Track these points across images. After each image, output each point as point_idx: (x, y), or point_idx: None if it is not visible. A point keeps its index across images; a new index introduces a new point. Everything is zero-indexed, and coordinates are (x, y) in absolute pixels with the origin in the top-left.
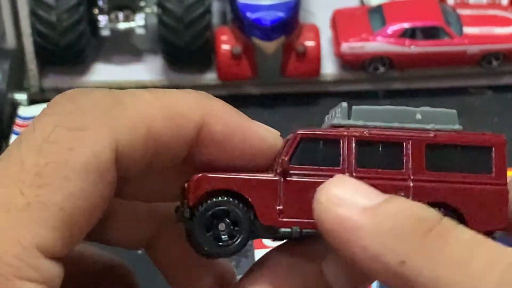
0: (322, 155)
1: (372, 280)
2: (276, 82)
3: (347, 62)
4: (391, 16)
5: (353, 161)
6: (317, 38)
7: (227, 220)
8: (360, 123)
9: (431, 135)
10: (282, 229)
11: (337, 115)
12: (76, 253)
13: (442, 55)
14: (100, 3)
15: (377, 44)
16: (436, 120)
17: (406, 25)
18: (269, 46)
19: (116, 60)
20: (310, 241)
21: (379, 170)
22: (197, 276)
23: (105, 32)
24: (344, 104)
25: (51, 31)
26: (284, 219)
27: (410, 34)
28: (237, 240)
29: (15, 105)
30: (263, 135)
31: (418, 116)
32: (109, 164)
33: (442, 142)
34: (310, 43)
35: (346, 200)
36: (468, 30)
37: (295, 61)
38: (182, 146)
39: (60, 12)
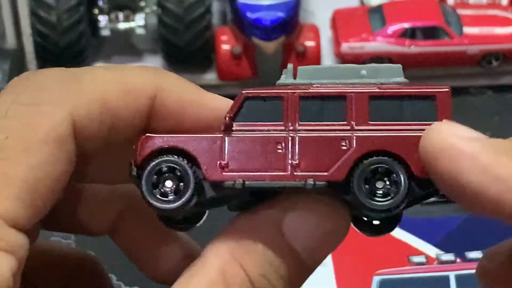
0: (266, 112)
1: (476, 201)
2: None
3: (347, 62)
4: (391, 16)
5: (296, 115)
6: (317, 38)
7: (174, 178)
8: (306, 81)
9: (375, 88)
10: (226, 183)
11: (284, 76)
12: (45, 249)
13: (442, 55)
14: (100, 3)
15: (377, 44)
16: (381, 74)
17: (406, 25)
18: (269, 46)
19: (116, 60)
20: (268, 205)
21: (323, 123)
22: (164, 255)
23: (105, 32)
24: (290, 65)
25: (51, 31)
26: (227, 173)
27: (410, 34)
28: (183, 196)
29: None
30: (216, 105)
31: (363, 72)
32: (67, 136)
33: (385, 94)
34: (310, 43)
35: (456, 132)
36: (468, 30)
37: (295, 61)
38: (137, 119)
39: (60, 12)
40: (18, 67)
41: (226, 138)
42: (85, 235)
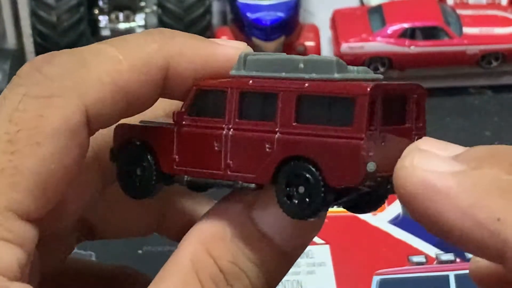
0: (213, 107)
1: (460, 244)
2: None
3: (347, 62)
4: (391, 16)
5: (235, 112)
6: (317, 38)
7: (140, 166)
8: (253, 73)
9: (305, 85)
10: (176, 177)
11: (235, 65)
12: (81, 266)
13: (441, 55)
14: (100, 3)
15: (377, 44)
16: (317, 69)
17: (406, 25)
18: (269, 46)
19: None
20: (236, 193)
21: (256, 122)
22: None
23: (105, 32)
24: (242, 53)
25: (52, 31)
26: (177, 167)
27: (410, 34)
28: (147, 183)
29: None
30: (226, 53)
31: (301, 65)
32: (79, 126)
33: (310, 93)
34: (310, 43)
35: (433, 165)
36: (467, 30)
37: None
38: (151, 92)
39: (60, 12)
40: (18, 67)
41: (175, 131)
42: (135, 237)
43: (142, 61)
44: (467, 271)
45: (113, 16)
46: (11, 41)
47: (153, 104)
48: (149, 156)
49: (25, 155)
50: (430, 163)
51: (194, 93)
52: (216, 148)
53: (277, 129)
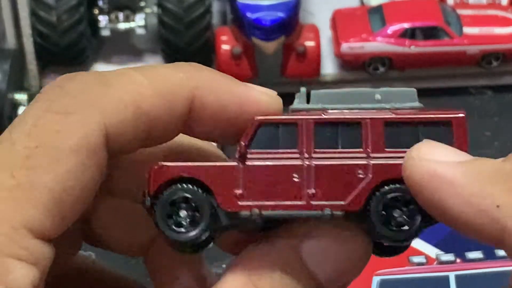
0: (280, 139)
1: (462, 229)
2: (276, 82)
3: (347, 62)
4: (391, 16)
5: (311, 142)
6: (317, 38)
7: (188, 208)
8: (319, 106)
9: (390, 113)
10: (243, 213)
11: (297, 100)
12: (94, 269)
13: (442, 55)
14: (100, 3)
15: (377, 44)
16: (395, 99)
17: (406, 25)
18: (269, 46)
19: (116, 60)
20: (285, 230)
21: (338, 150)
22: (185, 280)
23: (105, 32)
24: (303, 89)
25: (51, 31)
26: (243, 203)
27: (410, 34)
28: (198, 226)
29: (15, 105)
30: (259, 99)
31: (378, 97)
32: (98, 145)
33: (400, 120)
34: (310, 43)
35: (438, 156)
36: (468, 30)
37: (295, 61)
38: (174, 122)
39: (60, 12)
40: (18, 67)
41: (241, 166)
42: (120, 254)
43: (168, 89)
44: (467, 272)
45: (113, 16)
46: (11, 41)
47: (175, 136)
48: (204, 195)
49: (43, 171)
50: (436, 154)
51: (256, 127)
52: (295, 179)
53: (367, 155)
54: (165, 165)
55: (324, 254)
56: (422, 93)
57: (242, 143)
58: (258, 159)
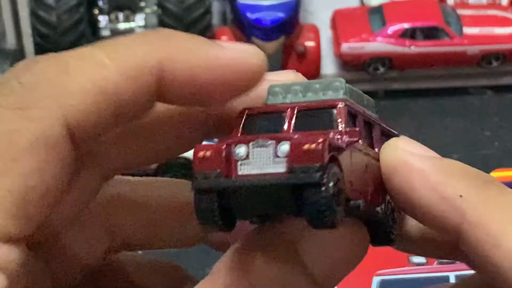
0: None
1: (424, 217)
2: None
3: (347, 62)
4: (391, 17)
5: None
6: (317, 38)
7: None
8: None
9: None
10: (352, 202)
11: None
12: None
13: (442, 55)
14: (100, 3)
15: (377, 44)
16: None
17: (406, 25)
18: (269, 46)
19: None
20: (281, 223)
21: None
22: None
23: (105, 32)
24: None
25: (51, 31)
26: (354, 193)
27: (410, 34)
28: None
29: None
30: (234, 60)
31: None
32: (59, 140)
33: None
34: (310, 43)
35: (410, 149)
36: (468, 30)
37: (295, 61)
38: (143, 98)
39: (60, 12)
40: None
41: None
42: (178, 248)
43: (132, 65)
44: (467, 272)
45: (113, 16)
46: (11, 41)
47: (148, 111)
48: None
49: (0, 173)
50: (411, 146)
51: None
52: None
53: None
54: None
55: (321, 250)
56: (422, 93)
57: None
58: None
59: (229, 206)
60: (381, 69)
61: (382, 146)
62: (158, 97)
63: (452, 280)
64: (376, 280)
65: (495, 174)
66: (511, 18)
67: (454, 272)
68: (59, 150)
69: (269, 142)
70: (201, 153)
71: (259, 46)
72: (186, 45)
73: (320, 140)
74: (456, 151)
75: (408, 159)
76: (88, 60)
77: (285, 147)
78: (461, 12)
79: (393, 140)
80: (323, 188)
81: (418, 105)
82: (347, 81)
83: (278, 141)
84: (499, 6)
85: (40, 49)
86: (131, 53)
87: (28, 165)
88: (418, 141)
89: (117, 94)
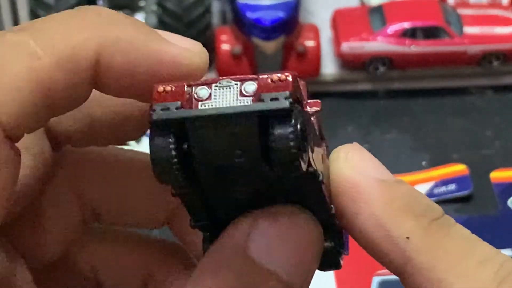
0: None
1: (368, 249)
2: None
3: (347, 62)
4: (392, 16)
5: None
6: (317, 38)
7: None
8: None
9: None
10: None
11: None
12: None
13: (442, 55)
14: (100, 2)
15: (377, 44)
16: None
17: (406, 25)
18: (269, 46)
19: None
20: (232, 223)
21: None
22: None
23: None
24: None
25: None
26: None
27: (411, 34)
28: None
29: None
30: (177, 58)
31: None
32: None
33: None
34: (310, 43)
35: (361, 168)
36: (468, 30)
37: (295, 61)
38: (79, 89)
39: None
40: None
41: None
42: (144, 228)
43: (67, 55)
44: None
45: None
46: None
47: (85, 101)
48: None
49: None
50: (362, 163)
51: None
52: None
53: None
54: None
55: (272, 247)
56: (422, 93)
57: None
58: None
59: (187, 152)
60: (381, 69)
61: (332, 153)
62: (94, 85)
63: None
64: (376, 280)
65: (495, 174)
66: (511, 18)
67: None
68: None
69: (234, 82)
70: (161, 88)
71: (259, 46)
72: (128, 34)
73: (288, 72)
74: (456, 151)
75: (356, 180)
76: (20, 51)
77: (251, 85)
78: (462, 11)
79: (343, 151)
80: (293, 118)
81: (418, 105)
82: (347, 81)
83: (244, 81)
84: (499, 6)
85: None
86: (67, 41)
87: None
88: (418, 141)
89: (52, 87)
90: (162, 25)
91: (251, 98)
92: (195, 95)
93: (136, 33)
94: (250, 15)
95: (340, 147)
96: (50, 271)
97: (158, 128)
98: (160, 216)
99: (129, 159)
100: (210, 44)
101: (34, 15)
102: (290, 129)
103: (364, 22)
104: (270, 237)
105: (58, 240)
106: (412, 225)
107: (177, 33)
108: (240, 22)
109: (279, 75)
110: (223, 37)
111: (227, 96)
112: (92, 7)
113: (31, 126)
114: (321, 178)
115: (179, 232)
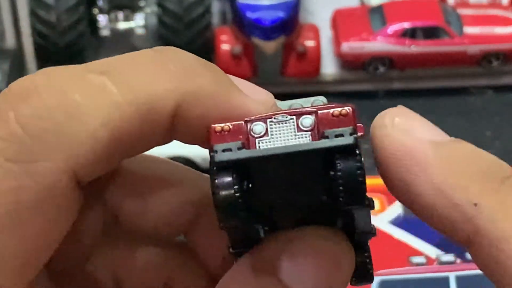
0: None
1: (428, 220)
2: (276, 82)
3: (347, 62)
4: (392, 16)
5: None
6: (317, 38)
7: None
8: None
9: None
10: None
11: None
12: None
13: (442, 55)
14: (100, 3)
15: (377, 44)
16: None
17: (406, 25)
18: (269, 46)
19: None
20: (264, 243)
21: None
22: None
23: (105, 32)
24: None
25: (51, 31)
26: None
27: (411, 34)
28: None
29: None
30: (253, 112)
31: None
32: (67, 192)
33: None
34: (310, 43)
35: (412, 131)
36: (468, 30)
37: (295, 61)
38: (154, 140)
39: (60, 12)
40: (17, 67)
41: None
42: (159, 237)
43: (147, 106)
44: (467, 272)
45: (112, 15)
46: (10, 41)
47: (153, 147)
48: None
49: (3, 237)
50: (412, 126)
51: None
52: None
53: None
54: None
55: (304, 271)
56: (422, 93)
57: None
58: None
59: (248, 190)
60: (381, 69)
61: (375, 120)
62: (168, 132)
63: (452, 280)
64: (376, 280)
65: None
66: (511, 18)
67: (454, 272)
68: (66, 203)
69: (289, 117)
70: (218, 127)
71: (259, 46)
72: (208, 87)
73: (348, 106)
74: None
75: (409, 146)
76: (100, 98)
77: (308, 120)
78: (462, 11)
79: (389, 116)
80: (358, 152)
81: (418, 105)
82: (347, 81)
83: (300, 115)
84: (499, 6)
85: (40, 49)
86: (147, 90)
87: (34, 226)
88: None
89: (128, 137)
90: (162, 25)
91: (309, 133)
92: (251, 132)
93: (216, 86)
94: (250, 15)
95: (383, 112)
96: (69, 276)
97: (220, 169)
98: (178, 225)
99: (152, 166)
100: (210, 44)
101: (33, 14)
102: (357, 164)
103: (364, 22)
104: (302, 260)
105: (82, 244)
106: (478, 189)
107: (177, 33)
108: (240, 22)
109: (339, 109)
110: (223, 37)
111: (284, 131)
112: (172, 50)
113: (101, 172)
114: (372, 204)
115: (194, 241)
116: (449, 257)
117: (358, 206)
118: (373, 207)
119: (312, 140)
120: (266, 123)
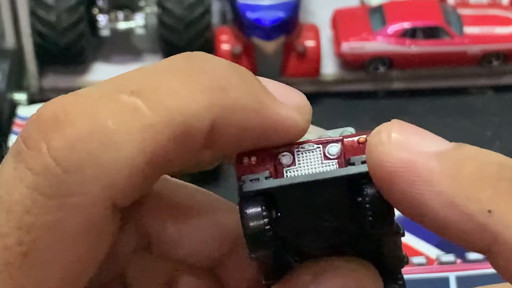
0: None
1: (442, 233)
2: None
3: (347, 62)
4: (392, 16)
5: None
6: (317, 38)
7: None
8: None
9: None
10: None
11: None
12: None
13: (442, 55)
14: (100, 2)
15: (378, 44)
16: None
17: (406, 25)
18: (269, 46)
19: (116, 60)
20: (296, 269)
21: None
22: None
23: (105, 32)
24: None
25: (51, 31)
26: None
27: (411, 34)
28: None
29: (14, 105)
30: (287, 123)
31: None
32: (105, 221)
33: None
34: (310, 43)
35: (413, 144)
36: (468, 29)
37: (295, 61)
38: (187, 161)
39: (60, 12)
40: (17, 67)
41: None
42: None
43: (182, 127)
44: (467, 272)
45: (112, 15)
46: (10, 41)
47: (188, 165)
48: None
49: (44, 270)
50: (410, 139)
51: None
52: None
53: None
54: None
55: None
56: (422, 93)
57: None
58: None
59: (276, 218)
60: (381, 69)
61: (371, 136)
62: (199, 151)
63: (453, 281)
64: None
65: None
66: (511, 18)
67: (454, 272)
68: (104, 229)
69: (316, 146)
70: (245, 159)
71: (259, 46)
72: (243, 101)
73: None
74: None
75: (410, 160)
76: (133, 122)
77: (335, 148)
78: (462, 11)
79: (385, 131)
80: None
81: (418, 105)
82: (347, 81)
83: (326, 143)
84: (500, 6)
85: (40, 49)
86: (181, 110)
87: (73, 258)
88: None
89: (163, 160)
90: (162, 25)
91: (336, 161)
92: (279, 162)
93: (251, 98)
94: (250, 15)
95: (377, 128)
96: None
97: (249, 199)
98: (211, 255)
99: (186, 193)
100: (210, 44)
101: (34, 14)
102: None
103: (364, 22)
104: (334, 286)
105: (115, 265)
106: (490, 195)
107: (177, 33)
108: (240, 22)
109: (364, 136)
110: (223, 37)
111: (311, 160)
112: (202, 57)
113: (138, 196)
114: (402, 231)
115: (224, 272)
116: (449, 257)
117: (387, 229)
118: (403, 234)
119: (339, 167)
120: (293, 153)
